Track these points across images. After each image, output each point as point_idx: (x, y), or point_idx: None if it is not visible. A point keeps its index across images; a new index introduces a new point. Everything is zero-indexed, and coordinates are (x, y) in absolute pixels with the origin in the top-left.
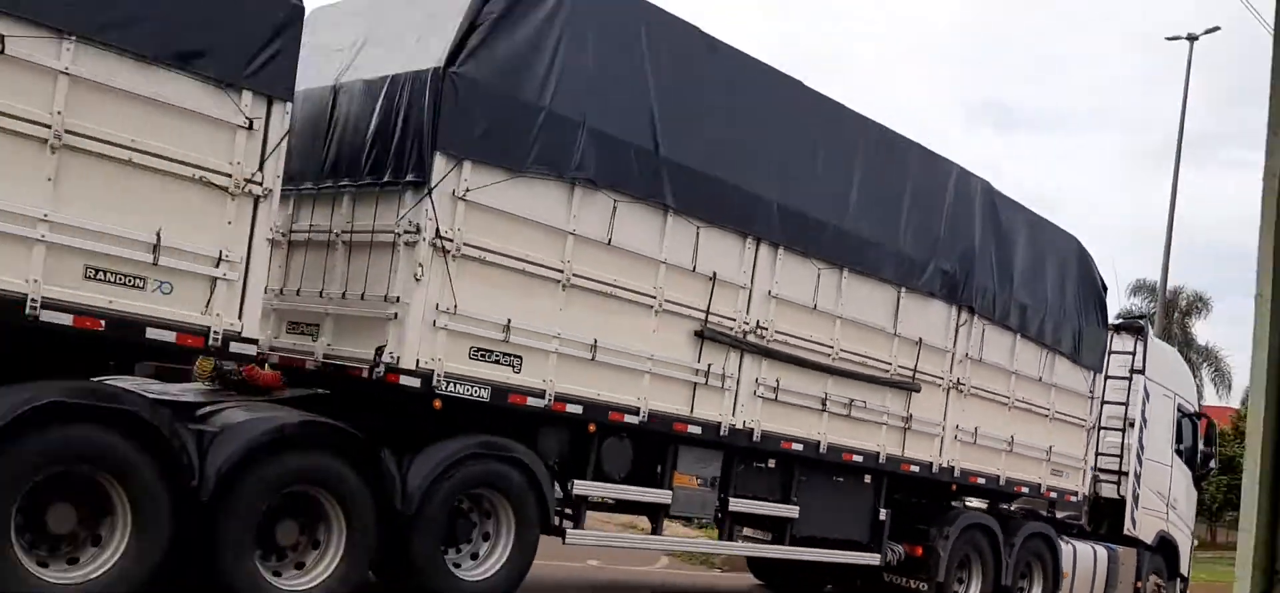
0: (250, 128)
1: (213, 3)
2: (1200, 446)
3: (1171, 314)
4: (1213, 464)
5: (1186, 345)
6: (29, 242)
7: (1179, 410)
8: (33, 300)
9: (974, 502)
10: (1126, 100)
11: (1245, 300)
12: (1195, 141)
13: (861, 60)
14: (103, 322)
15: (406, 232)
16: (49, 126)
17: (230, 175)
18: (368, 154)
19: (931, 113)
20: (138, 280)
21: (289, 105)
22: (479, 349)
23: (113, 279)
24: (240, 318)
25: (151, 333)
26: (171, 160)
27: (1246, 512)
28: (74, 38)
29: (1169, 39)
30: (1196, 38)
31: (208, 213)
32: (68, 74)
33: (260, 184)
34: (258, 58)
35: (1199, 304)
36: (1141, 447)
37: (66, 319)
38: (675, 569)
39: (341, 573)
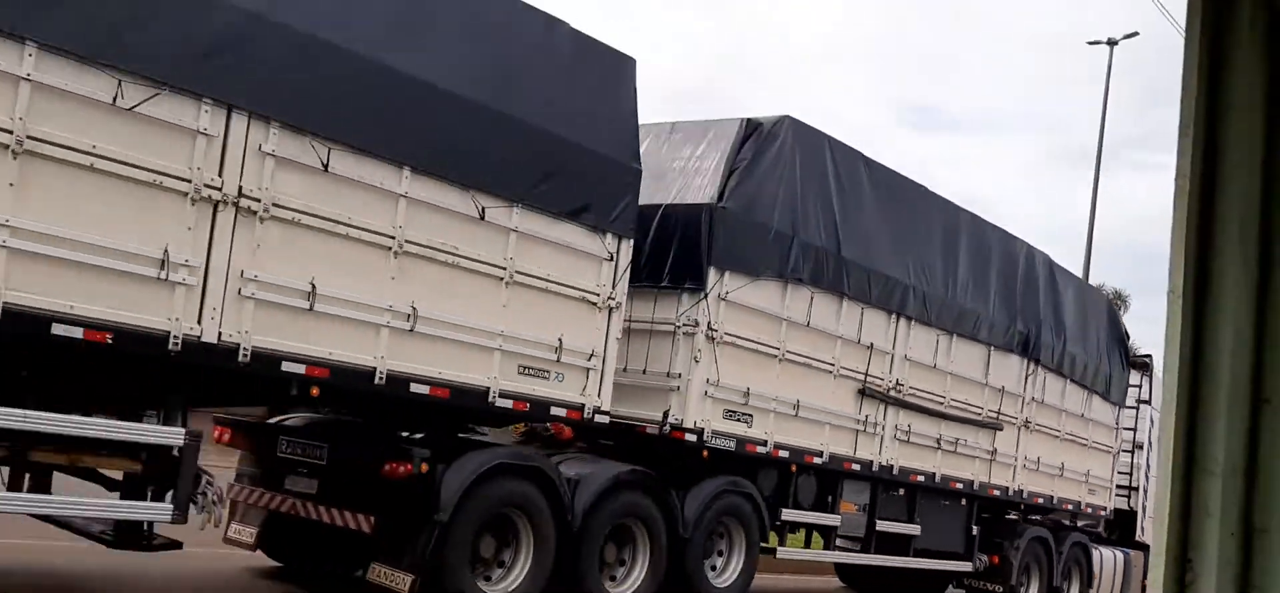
0: (611, 259)
1: (595, 173)
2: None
3: None
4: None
5: None
6: (489, 352)
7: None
8: (493, 392)
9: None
10: (1047, 103)
11: (1161, 298)
12: (1113, 144)
13: (788, 61)
14: (527, 404)
15: (686, 325)
16: (504, 269)
17: (598, 294)
18: (646, 262)
19: (859, 115)
20: (546, 373)
21: (632, 240)
22: (729, 411)
23: (534, 373)
24: (599, 395)
25: (554, 410)
26: (569, 286)
27: (1160, 504)
28: (519, 205)
29: (1090, 43)
30: (1116, 42)
31: (584, 322)
32: (516, 232)
33: (613, 299)
34: (616, 208)
35: (1118, 301)
36: (1149, 466)
37: (508, 403)
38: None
39: (650, 586)
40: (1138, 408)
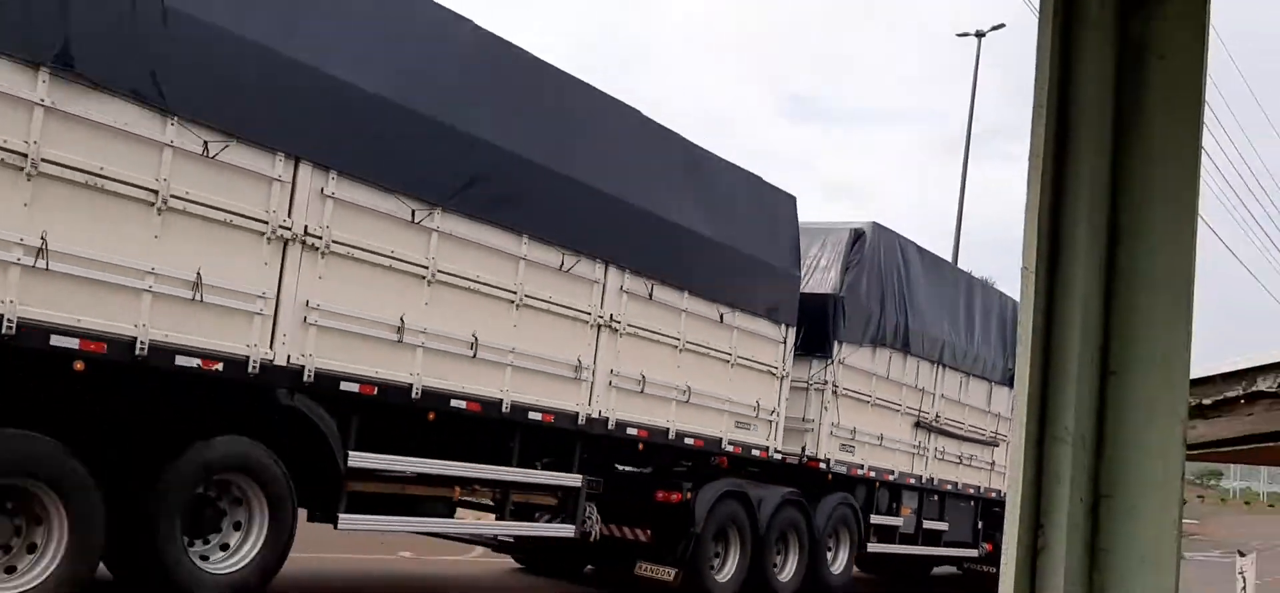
0: (784, 342)
1: (777, 283)
2: None
3: None
4: None
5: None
6: (722, 413)
7: None
8: (724, 440)
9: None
10: (927, 94)
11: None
12: (987, 134)
13: (669, 54)
14: (740, 448)
15: (818, 383)
16: (730, 354)
17: (777, 367)
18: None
19: (742, 106)
20: (748, 425)
21: (794, 326)
22: (842, 444)
23: (742, 426)
24: (777, 438)
25: (754, 451)
26: (762, 364)
27: (1013, 475)
28: (739, 311)
29: (959, 35)
30: (983, 34)
31: (768, 387)
32: (738, 328)
33: (785, 370)
34: (788, 306)
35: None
36: None
37: (732, 448)
38: (485, 558)
39: (799, 575)
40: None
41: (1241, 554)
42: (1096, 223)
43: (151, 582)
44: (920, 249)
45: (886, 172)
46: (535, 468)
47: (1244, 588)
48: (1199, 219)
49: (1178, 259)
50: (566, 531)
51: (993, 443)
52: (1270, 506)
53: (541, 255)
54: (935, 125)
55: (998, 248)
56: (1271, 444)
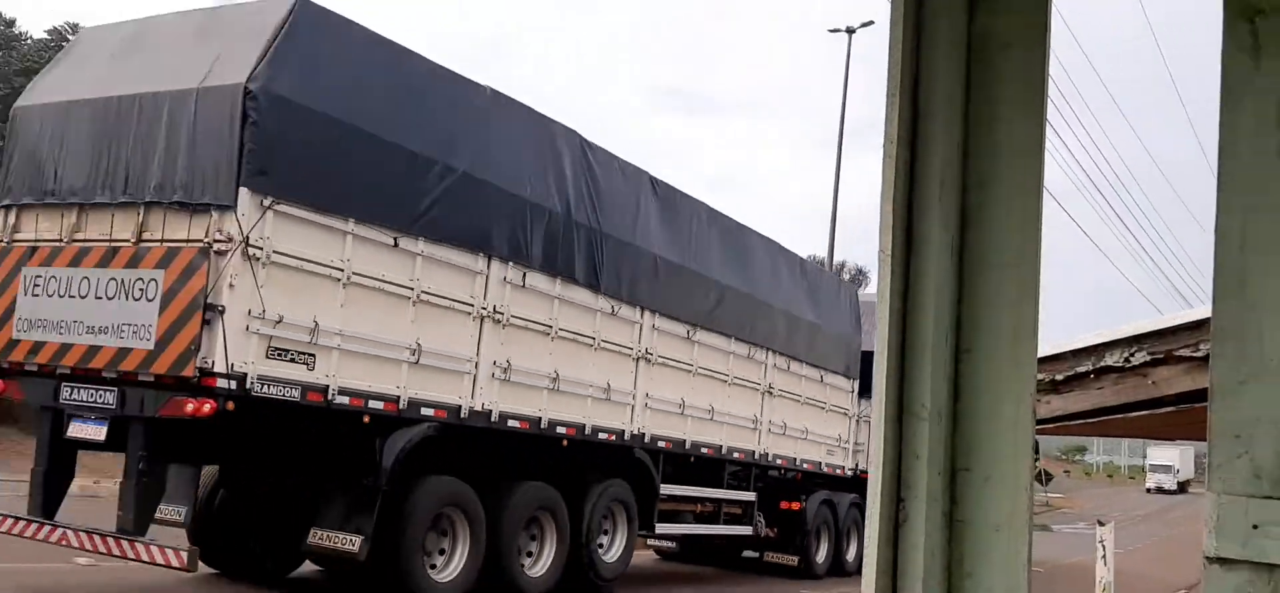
0: (852, 390)
1: (849, 349)
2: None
3: None
4: (1038, 458)
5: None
6: (820, 444)
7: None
8: (823, 465)
9: None
10: (803, 88)
11: None
12: (862, 128)
13: (542, 42)
14: (834, 470)
15: (866, 415)
16: (825, 403)
17: (849, 408)
18: None
19: (613, 97)
20: (833, 451)
21: (858, 378)
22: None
23: (829, 451)
24: (852, 459)
25: (837, 471)
26: (841, 408)
27: (875, 451)
28: (829, 371)
29: (831, 31)
30: (854, 30)
31: (843, 423)
32: (828, 385)
33: (855, 411)
34: (856, 363)
35: (860, 277)
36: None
37: (831, 471)
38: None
39: (859, 561)
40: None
41: (1101, 524)
42: (948, 208)
43: (575, 572)
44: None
45: (764, 164)
46: (731, 489)
47: (1104, 556)
48: (1045, 205)
49: (1025, 243)
50: (747, 530)
51: None
52: (1130, 477)
53: (716, 342)
54: (811, 119)
55: (873, 239)
56: (1120, 416)
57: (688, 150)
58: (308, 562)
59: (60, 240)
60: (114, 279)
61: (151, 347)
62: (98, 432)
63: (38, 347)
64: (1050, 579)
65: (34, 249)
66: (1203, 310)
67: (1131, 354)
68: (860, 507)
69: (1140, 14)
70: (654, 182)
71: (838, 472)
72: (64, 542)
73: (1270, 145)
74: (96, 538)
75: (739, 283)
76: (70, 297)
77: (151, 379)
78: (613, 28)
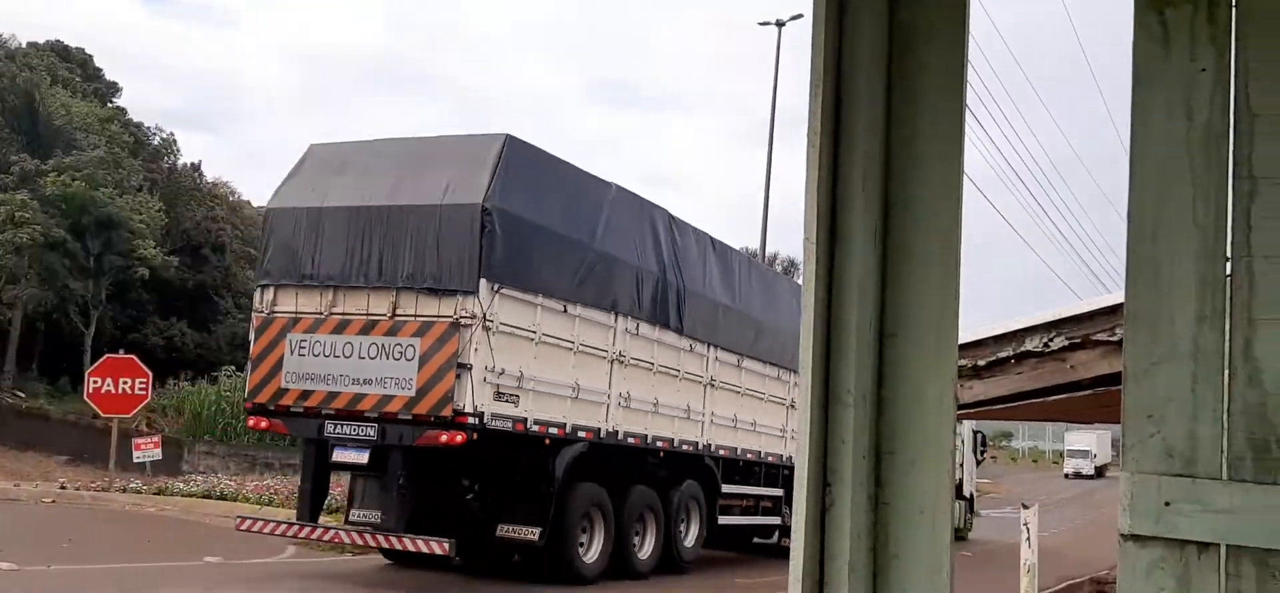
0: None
1: None
2: (979, 445)
3: None
4: (984, 452)
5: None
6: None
7: (973, 432)
8: None
9: None
10: (736, 81)
11: None
12: (796, 120)
13: (477, 35)
14: None
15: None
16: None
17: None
18: None
19: (548, 90)
20: None
21: None
22: None
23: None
24: None
25: None
26: None
27: (801, 437)
28: None
29: (761, 24)
30: (784, 23)
31: None
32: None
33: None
34: None
35: (792, 269)
36: (966, 451)
37: None
38: (301, 557)
39: None
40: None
41: (1025, 507)
42: (871, 197)
43: (667, 555)
44: None
45: (697, 157)
46: (765, 487)
47: (1028, 538)
48: (969, 194)
49: (946, 230)
50: (776, 520)
51: None
52: (1054, 462)
53: (756, 368)
54: (744, 112)
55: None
56: (1040, 400)
57: (624, 142)
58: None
59: (320, 314)
60: (375, 344)
61: (412, 394)
62: (360, 457)
63: (306, 394)
64: (983, 561)
65: (296, 319)
66: (1119, 296)
67: (1050, 339)
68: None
69: (1059, 5)
70: (713, 241)
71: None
72: (336, 540)
73: (1179, 134)
74: (367, 535)
75: (769, 318)
76: (334, 356)
77: (409, 418)
78: (549, 19)
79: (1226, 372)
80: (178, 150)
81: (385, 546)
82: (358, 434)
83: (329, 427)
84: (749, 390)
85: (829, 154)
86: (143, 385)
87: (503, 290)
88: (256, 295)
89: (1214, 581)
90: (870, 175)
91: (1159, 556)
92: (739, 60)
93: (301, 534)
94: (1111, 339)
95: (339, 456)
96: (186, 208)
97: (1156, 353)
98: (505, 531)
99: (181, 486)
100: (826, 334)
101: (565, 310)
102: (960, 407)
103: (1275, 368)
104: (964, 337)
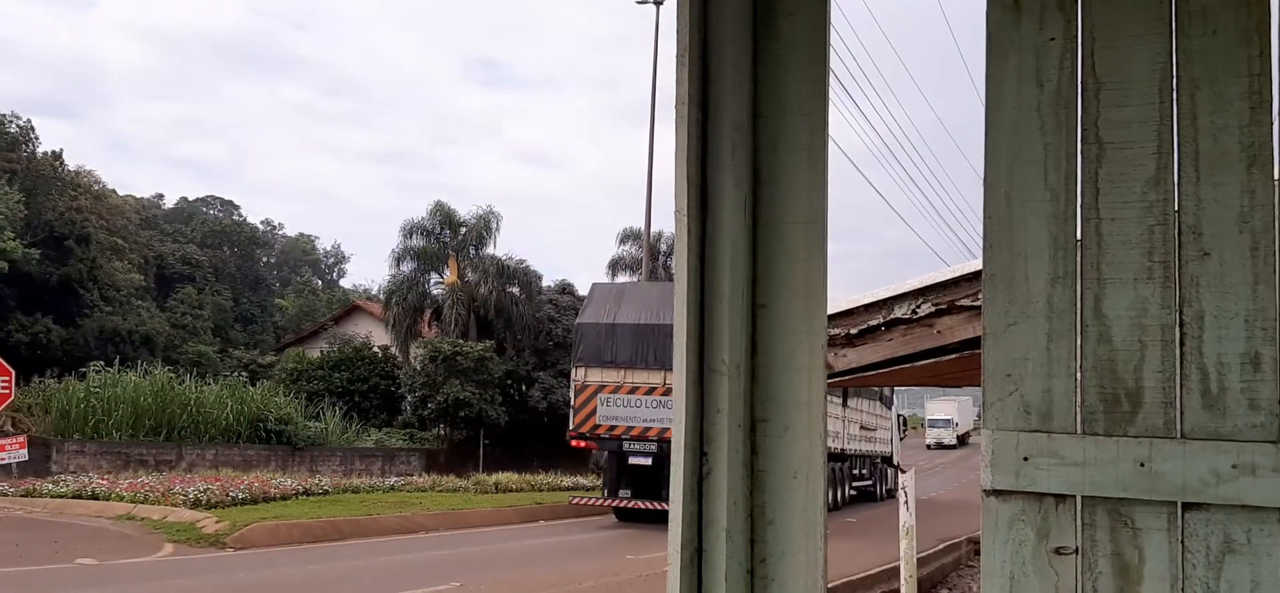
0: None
1: (882, 390)
2: (902, 424)
3: (656, 257)
4: (904, 429)
5: (669, 280)
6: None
7: (897, 416)
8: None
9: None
10: (609, 60)
11: None
12: (671, 99)
13: (344, 15)
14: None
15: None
16: (877, 423)
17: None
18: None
19: (420, 70)
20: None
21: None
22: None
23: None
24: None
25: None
26: (886, 423)
27: (678, 408)
28: (877, 403)
29: (639, 2)
30: (661, 1)
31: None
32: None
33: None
34: (887, 394)
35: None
36: (894, 430)
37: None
38: (179, 554)
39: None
40: (891, 406)
41: (902, 472)
42: (740, 167)
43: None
44: None
45: (575, 137)
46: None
47: (907, 502)
48: (845, 170)
49: (813, 199)
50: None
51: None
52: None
53: (857, 404)
54: (624, 91)
55: None
56: (909, 365)
57: (502, 121)
58: None
59: (619, 384)
60: (653, 400)
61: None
62: (646, 461)
63: (613, 427)
64: (861, 528)
65: (602, 387)
66: (980, 262)
67: (918, 306)
68: (858, 471)
69: None
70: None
71: (873, 451)
72: (633, 506)
73: (1031, 99)
74: (640, 503)
75: None
76: (629, 408)
77: None
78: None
79: (1079, 329)
80: (36, 139)
81: (656, 508)
82: (644, 449)
83: (626, 445)
84: (853, 419)
85: (698, 126)
86: (5, 383)
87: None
88: (576, 371)
89: (1071, 530)
90: (739, 146)
91: (1019, 509)
92: (620, 39)
93: (613, 504)
94: (975, 303)
95: (633, 461)
96: (48, 198)
97: (1013, 313)
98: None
99: (51, 486)
100: (701, 306)
101: (844, 403)
102: (835, 374)
103: (1124, 324)
104: (837, 306)
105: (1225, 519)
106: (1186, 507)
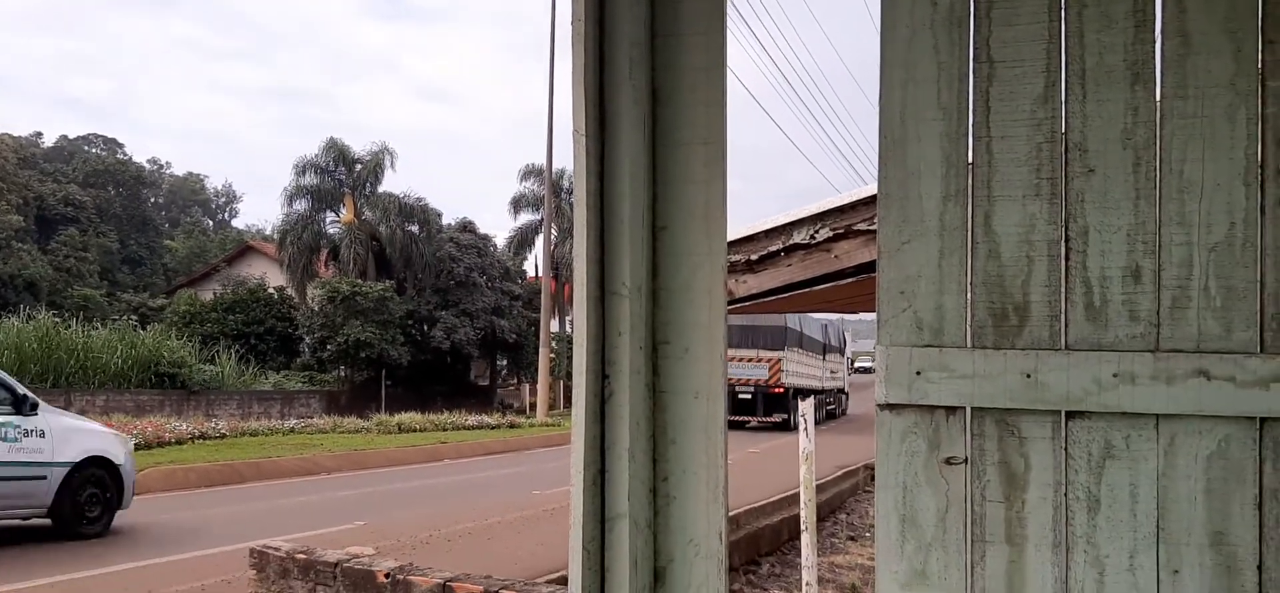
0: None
1: (826, 342)
2: (851, 362)
3: (559, 193)
4: (852, 365)
5: (572, 221)
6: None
7: (848, 358)
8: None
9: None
10: None
11: None
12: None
13: None
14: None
15: (827, 364)
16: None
17: (841, 367)
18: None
19: (320, 2)
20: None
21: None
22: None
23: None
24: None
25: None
26: (833, 372)
27: (579, 330)
28: (827, 354)
29: None
30: None
31: (840, 373)
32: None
33: (841, 366)
34: (837, 347)
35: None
36: (845, 370)
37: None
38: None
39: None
40: (842, 351)
41: (802, 400)
42: (639, 85)
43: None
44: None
45: (475, 74)
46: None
47: (806, 428)
48: (748, 108)
49: (711, 119)
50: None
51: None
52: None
53: (801, 356)
54: (523, 26)
55: None
56: (807, 291)
57: (401, 56)
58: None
59: (733, 356)
60: (752, 363)
61: (767, 376)
62: (749, 395)
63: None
64: (763, 458)
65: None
66: (876, 187)
67: (816, 231)
68: (828, 401)
69: None
70: (823, 324)
71: (819, 387)
72: (758, 424)
73: (925, 17)
74: (749, 418)
75: (809, 333)
76: (745, 364)
77: (765, 382)
78: None
79: (970, 247)
80: None
81: (750, 422)
82: (748, 390)
83: (739, 389)
84: (797, 362)
85: (594, 43)
86: None
87: (789, 348)
88: None
89: (961, 441)
90: (637, 63)
91: (912, 422)
92: None
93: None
94: (871, 228)
95: (741, 395)
96: None
97: (907, 232)
98: (775, 416)
99: None
100: (601, 227)
101: (822, 355)
102: (734, 301)
103: (1012, 241)
104: (737, 233)
105: (1106, 427)
106: (1070, 415)
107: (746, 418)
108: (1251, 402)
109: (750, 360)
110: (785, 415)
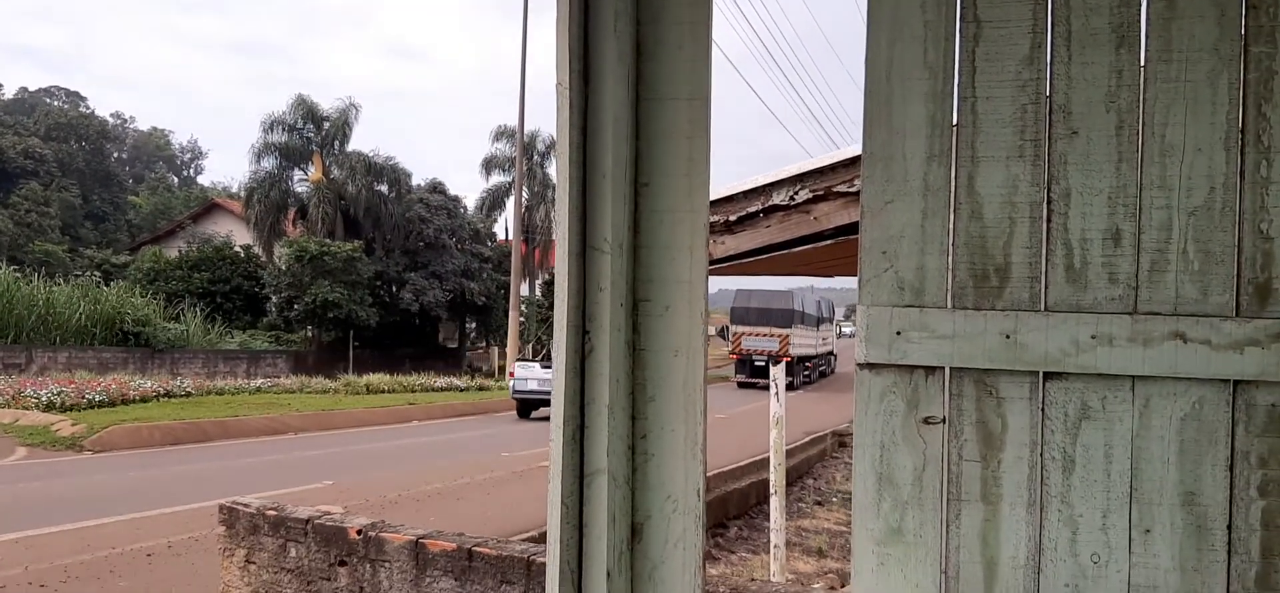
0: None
1: (820, 315)
2: (839, 328)
3: (531, 155)
4: (841, 329)
5: (544, 184)
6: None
7: (836, 325)
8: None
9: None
10: None
11: None
12: None
13: None
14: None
15: (821, 333)
16: (819, 335)
17: (832, 334)
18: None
19: None
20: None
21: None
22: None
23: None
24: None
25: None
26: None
27: (560, 286)
28: (821, 324)
29: None
30: None
31: (830, 339)
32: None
33: (832, 335)
34: (829, 319)
35: (554, 148)
36: (833, 336)
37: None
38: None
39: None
40: (831, 320)
41: (774, 364)
42: (623, 39)
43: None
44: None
45: (447, 30)
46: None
47: (777, 393)
48: (729, 75)
49: (695, 75)
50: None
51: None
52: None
53: (801, 329)
54: None
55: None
56: (786, 252)
57: (370, 11)
58: None
59: (752, 332)
60: (767, 337)
61: (778, 348)
62: (762, 363)
63: (748, 349)
64: (730, 424)
65: (743, 335)
66: (857, 149)
67: (796, 192)
68: (816, 365)
69: None
70: (819, 301)
71: (815, 353)
72: (753, 382)
73: None
74: (760, 381)
75: (807, 310)
76: (760, 338)
77: (777, 352)
78: None
79: (952, 207)
80: None
81: (761, 383)
82: (762, 359)
83: (755, 358)
84: (799, 334)
85: None
86: None
87: (794, 326)
88: (735, 326)
89: (939, 400)
90: (622, 16)
91: (891, 381)
92: None
93: (740, 380)
94: (851, 189)
95: (757, 363)
96: None
97: (890, 191)
98: (808, 370)
99: None
100: (583, 182)
101: (817, 326)
102: (714, 262)
103: (995, 202)
104: (717, 194)
105: (1083, 388)
106: (1047, 376)
107: (763, 381)
108: (1226, 365)
109: (765, 335)
110: (791, 379)
